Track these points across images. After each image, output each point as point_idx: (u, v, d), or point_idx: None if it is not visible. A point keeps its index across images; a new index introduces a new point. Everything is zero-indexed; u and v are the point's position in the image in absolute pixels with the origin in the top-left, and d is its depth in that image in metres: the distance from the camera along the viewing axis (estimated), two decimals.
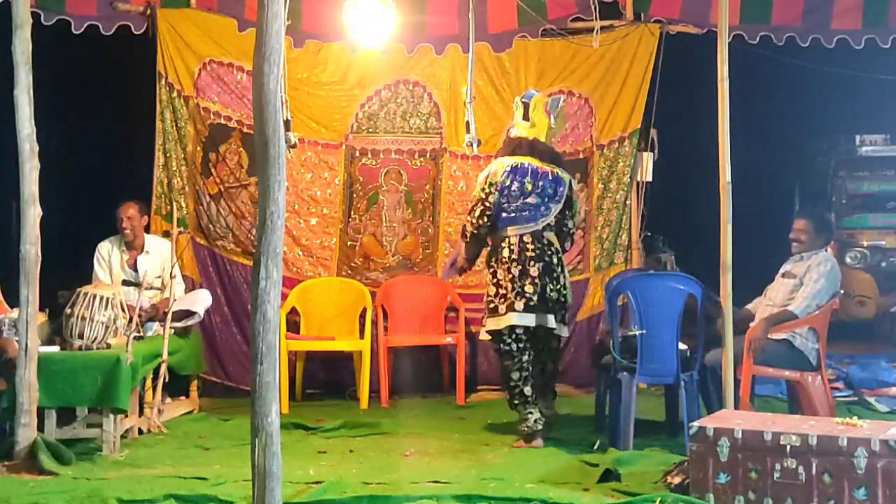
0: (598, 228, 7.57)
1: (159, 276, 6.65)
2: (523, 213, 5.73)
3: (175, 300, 6.48)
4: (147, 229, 6.93)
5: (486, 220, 5.75)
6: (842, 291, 10.59)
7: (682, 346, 5.70)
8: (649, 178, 7.60)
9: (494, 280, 5.76)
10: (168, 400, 6.54)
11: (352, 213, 7.61)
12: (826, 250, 6.06)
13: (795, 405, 5.94)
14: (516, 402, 5.72)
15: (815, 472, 4.09)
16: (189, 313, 6.61)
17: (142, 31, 7.30)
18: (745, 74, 6.36)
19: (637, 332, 5.59)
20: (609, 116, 7.57)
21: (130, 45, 7.51)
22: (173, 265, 6.55)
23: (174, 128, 7.42)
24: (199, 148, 7.47)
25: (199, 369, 6.94)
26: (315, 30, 7.45)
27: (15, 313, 5.49)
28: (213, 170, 7.47)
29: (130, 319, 5.86)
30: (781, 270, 6.06)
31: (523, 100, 5.91)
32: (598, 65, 7.55)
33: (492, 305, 5.79)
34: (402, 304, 7.40)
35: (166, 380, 6.20)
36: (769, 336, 5.76)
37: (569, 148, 7.55)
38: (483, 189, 5.77)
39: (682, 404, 5.63)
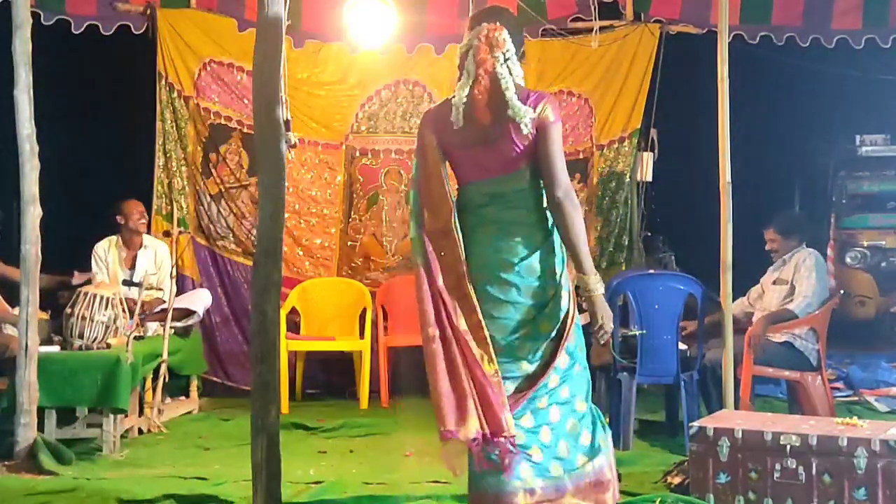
0: (598, 228, 7.57)
1: (154, 274, 6.66)
2: None
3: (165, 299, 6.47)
4: (147, 229, 6.96)
5: None
6: (842, 291, 10.63)
7: (682, 346, 5.70)
8: (649, 178, 7.60)
9: None
10: (168, 400, 6.54)
11: (352, 213, 7.62)
12: (804, 246, 6.05)
13: (795, 405, 5.95)
14: None
15: (815, 472, 4.09)
16: (189, 313, 6.62)
17: (142, 31, 7.32)
18: (745, 74, 6.36)
19: (637, 332, 5.59)
20: (609, 116, 7.57)
21: (130, 45, 7.51)
22: (173, 265, 6.56)
23: (174, 128, 7.42)
24: (199, 148, 7.48)
25: (199, 369, 6.94)
26: (315, 30, 7.46)
27: (15, 312, 5.50)
28: (213, 170, 7.48)
29: (132, 313, 5.87)
30: (772, 278, 6.06)
31: None
32: (597, 65, 7.55)
33: None
34: (402, 304, 7.38)
35: (166, 380, 6.20)
36: (771, 338, 5.77)
37: (569, 148, 7.55)
38: None
39: (682, 404, 5.63)
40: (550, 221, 3.63)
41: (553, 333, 3.63)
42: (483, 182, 3.63)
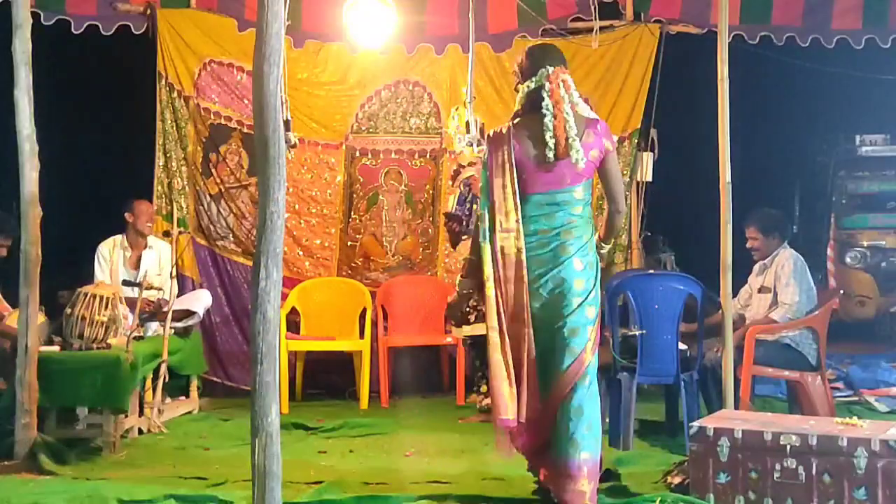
0: (598, 228, 7.54)
1: (159, 275, 6.66)
2: None
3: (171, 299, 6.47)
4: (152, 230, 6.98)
5: None
6: (842, 291, 10.61)
7: (682, 346, 5.69)
8: (649, 178, 7.60)
9: None
10: (168, 400, 6.54)
11: (352, 213, 7.62)
12: (786, 246, 6.03)
13: (795, 405, 5.95)
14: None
15: (815, 472, 4.09)
16: (189, 313, 6.62)
17: (142, 31, 7.31)
18: (745, 74, 6.36)
19: (637, 332, 5.59)
20: (609, 116, 7.54)
21: (130, 45, 7.51)
22: (173, 265, 6.56)
23: (174, 128, 7.42)
24: (199, 148, 7.48)
25: (200, 369, 6.94)
26: (315, 30, 7.46)
27: (15, 315, 5.50)
28: (213, 170, 7.48)
29: (132, 309, 5.86)
30: (757, 284, 6.05)
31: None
32: (598, 65, 7.55)
33: None
34: (402, 304, 7.39)
35: (166, 380, 6.20)
36: (768, 339, 5.78)
37: None
38: None
39: (682, 404, 5.63)
40: (591, 223, 4.46)
41: (595, 318, 4.29)
42: (551, 192, 4.30)
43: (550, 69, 4.34)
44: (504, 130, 4.37)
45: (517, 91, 4.48)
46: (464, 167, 6.38)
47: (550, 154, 4.24)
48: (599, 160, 4.34)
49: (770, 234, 6.04)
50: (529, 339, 4.21)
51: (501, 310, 4.23)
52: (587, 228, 4.37)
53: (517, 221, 4.26)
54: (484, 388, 6.35)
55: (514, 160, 4.29)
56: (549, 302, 4.25)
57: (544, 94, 4.29)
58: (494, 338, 4.21)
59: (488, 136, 4.50)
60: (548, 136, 4.24)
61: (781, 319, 5.80)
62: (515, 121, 4.40)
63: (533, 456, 4.45)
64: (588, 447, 4.18)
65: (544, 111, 4.26)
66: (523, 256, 4.25)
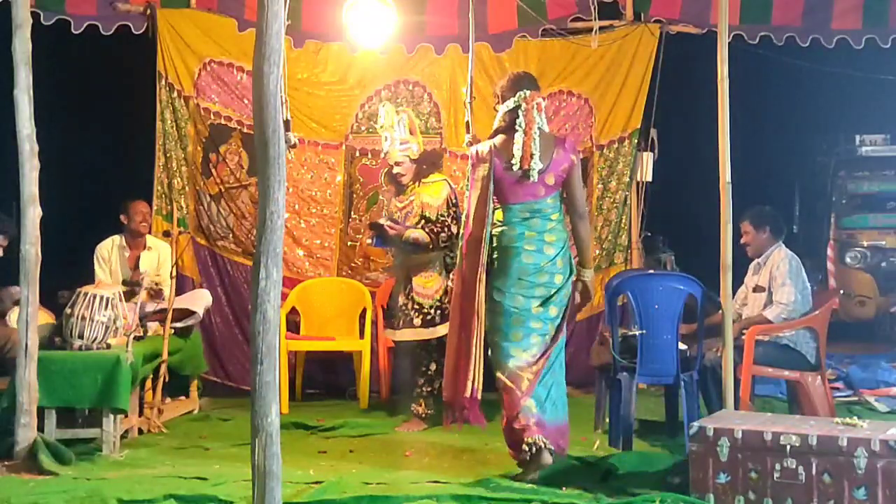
0: (598, 228, 7.56)
1: (158, 275, 6.66)
2: None
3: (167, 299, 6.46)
4: (149, 230, 6.97)
5: None
6: (842, 291, 10.61)
7: (682, 345, 5.70)
8: (649, 178, 7.60)
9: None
10: (168, 400, 6.54)
11: (352, 213, 7.61)
12: (781, 245, 6.02)
13: (795, 405, 5.95)
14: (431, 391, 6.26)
15: (815, 472, 4.10)
16: (189, 313, 6.61)
17: (142, 31, 7.31)
18: (745, 74, 6.36)
19: (637, 332, 5.59)
20: (609, 116, 7.57)
21: (130, 45, 7.51)
22: (173, 265, 6.56)
23: (174, 128, 7.42)
24: (199, 148, 7.48)
25: (200, 369, 6.94)
26: (315, 30, 7.45)
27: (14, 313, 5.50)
28: (213, 170, 7.47)
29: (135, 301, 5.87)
30: (752, 284, 6.06)
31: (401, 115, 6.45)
32: (597, 65, 7.55)
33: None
34: None
35: (166, 380, 6.20)
36: (767, 339, 5.78)
37: None
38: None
39: (682, 404, 5.63)
40: (566, 228, 5.02)
41: (566, 305, 4.97)
42: (529, 202, 4.90)
43: (527, 92, 4.93)
44: (487, 149, 4.92)
45: (496, 111, 5.03)
46: (391, 166, 6.41)
47: (516, 166, 4.81)
48: (567, 172, 4.92)
49: (761, 228, 6.03)
50: (480, 327, 4.82)
51: (459, 301, 4.88)
52: (564, 232, 4.98)
53: (485, 228, 4.85)
54: (422, 403, 6.27)
55: (493, 176, 4.85)
56: (539, 293, 4.88)
57: (520, 114, 4.88)
58: (455, 325, 4.92)
59: (472, 153, 5.00)
60: (515, 148, 4.81)
61: (776, 319, 5.80)
62: (497, 139, 4.95)
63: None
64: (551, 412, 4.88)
65: (517, 128, 4.86)
66: (482, 256, 4.84)
